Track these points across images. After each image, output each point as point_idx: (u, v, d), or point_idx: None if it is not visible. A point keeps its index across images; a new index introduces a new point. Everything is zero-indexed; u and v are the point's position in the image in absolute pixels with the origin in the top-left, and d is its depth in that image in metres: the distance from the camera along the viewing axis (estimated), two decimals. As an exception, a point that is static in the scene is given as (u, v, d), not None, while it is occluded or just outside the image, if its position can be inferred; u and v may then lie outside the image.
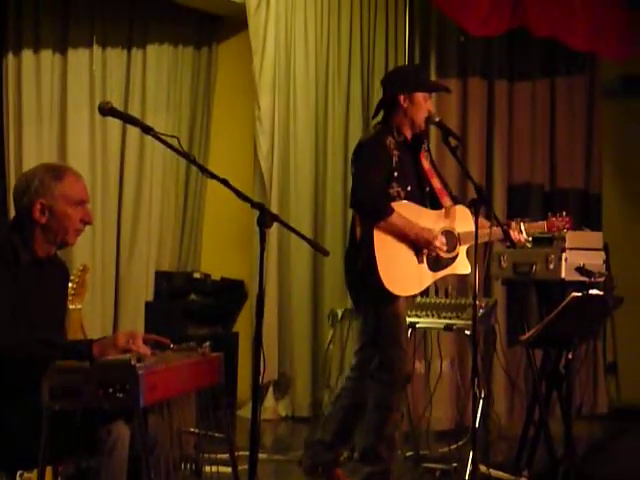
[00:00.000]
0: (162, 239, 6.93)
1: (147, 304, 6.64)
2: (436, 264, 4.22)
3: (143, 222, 6.75)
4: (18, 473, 3.32)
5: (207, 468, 3.05)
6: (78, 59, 6.52)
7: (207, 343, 3.03)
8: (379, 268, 4.06)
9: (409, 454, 5.01)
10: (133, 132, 6.58)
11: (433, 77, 6.07)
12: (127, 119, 2.99)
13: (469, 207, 4.12)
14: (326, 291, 6.38)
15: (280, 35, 6.45)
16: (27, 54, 6.37)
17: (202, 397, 2.98)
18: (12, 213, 3.05)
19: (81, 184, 3.01)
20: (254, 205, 2.92)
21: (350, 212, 4.47)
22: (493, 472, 4.57)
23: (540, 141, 6.44)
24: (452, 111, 6.17)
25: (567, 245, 4.61)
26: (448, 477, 4.68)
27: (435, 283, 4.49)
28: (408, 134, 4.30)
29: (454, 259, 4.26)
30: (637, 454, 5.32)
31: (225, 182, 2.90)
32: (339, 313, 5.90)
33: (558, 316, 4.30)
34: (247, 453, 2.89)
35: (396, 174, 4.18)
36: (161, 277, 6.81)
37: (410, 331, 4.57)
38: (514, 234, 4.29)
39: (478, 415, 3.90)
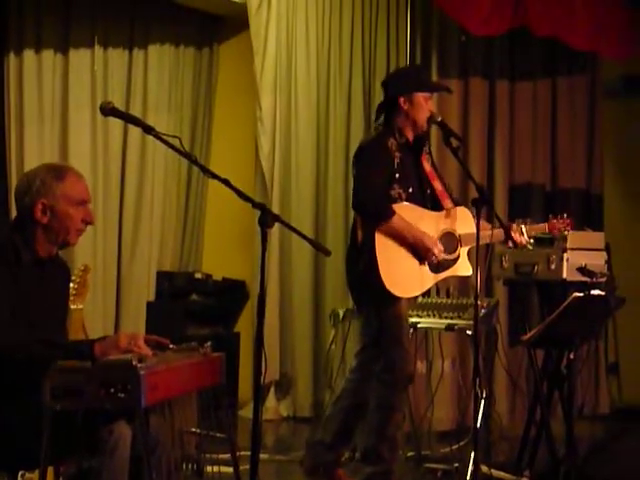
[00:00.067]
0: (164, 239, 6.92)
1: (148, 304, 6.63)
2: (437, 266, 4.22)
3: (145, 222, 6.74)
4: (20, 473, 3.33)
5: (208, 468, 3.05)
6: (80, 59, 6.51)
7: (208, 343, 3.04)
8: (380, 270, 4.07)
9: (411, 454, 5.02)
10: (134, 132, 6.58)
11: (434, 77, 6.06)
12: (128, 119, 3.00)
13: (471, 207, 4.12)
14: (327, 291, 6.37)
15: (281, 35, 6.44)
16: (29, 54, 6.37)
17: (203, 397, 2.99)
18: (14, 213, 3.05)
19: (82, 184, 3.01)
20: (255, 205, 2.92)
21: (351, 212, 4.46)
22: (494, 472, 4.56)
23: (541, 141, 6.42)
24: (453, 111, 6.15)
25: (569, 245, 4.60)
26: (450, 477, 4.68)
27: (436, 283, 4.49)
28: (410, 135, 4.30)
29: (455, 261, 4.27)
30: (638, 454, 5.32)
31: (226, 182, 2.90)
32: (340, 313, 5.90)
33: (560, 316, 4.30)
34: (248, 453, 2.90)
35: (397, 176, 4.18)
36: (162, 277, 6.81)
37: (411, 331, 4.57)
38: (515, 236, 4.29)
39: (480, 415, 3.89)
